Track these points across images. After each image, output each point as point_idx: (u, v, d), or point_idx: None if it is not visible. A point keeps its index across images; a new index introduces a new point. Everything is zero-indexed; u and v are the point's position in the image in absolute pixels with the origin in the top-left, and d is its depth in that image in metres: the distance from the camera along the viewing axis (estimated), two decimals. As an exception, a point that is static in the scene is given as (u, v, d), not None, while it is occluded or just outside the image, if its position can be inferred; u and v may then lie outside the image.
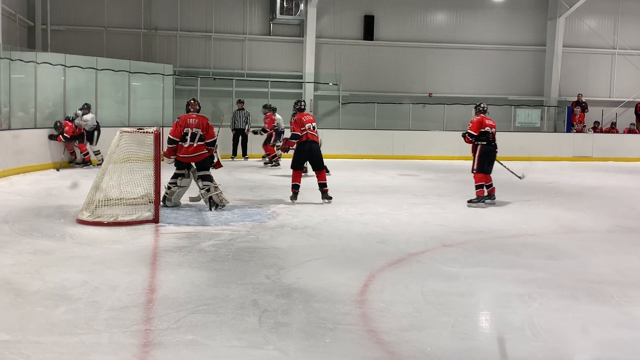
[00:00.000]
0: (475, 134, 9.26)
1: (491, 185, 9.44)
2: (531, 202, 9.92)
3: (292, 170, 9.27)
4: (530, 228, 7.85)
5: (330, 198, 9.23)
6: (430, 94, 21.03)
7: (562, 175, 14.13)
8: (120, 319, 4.17)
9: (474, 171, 9.33)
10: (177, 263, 5.72)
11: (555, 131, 21.10)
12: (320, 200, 9.21)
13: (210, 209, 8.36)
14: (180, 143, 8.37)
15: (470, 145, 9.43)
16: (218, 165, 8.93)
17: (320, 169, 9.28)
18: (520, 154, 17.48)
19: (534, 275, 5.52)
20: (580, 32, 21.92)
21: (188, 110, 8.64)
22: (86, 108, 13.86)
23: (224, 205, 8.52)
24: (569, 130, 20.39)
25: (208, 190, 8.42)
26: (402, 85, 20.96)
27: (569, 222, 8.36)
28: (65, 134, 13.19)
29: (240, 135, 16.45)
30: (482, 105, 9.60)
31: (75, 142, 13.61)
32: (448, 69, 21.31)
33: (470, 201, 9.32)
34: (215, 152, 8.73)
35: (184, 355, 3.65)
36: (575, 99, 20.63)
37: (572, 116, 20.34)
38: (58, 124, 13.33)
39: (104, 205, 7.57)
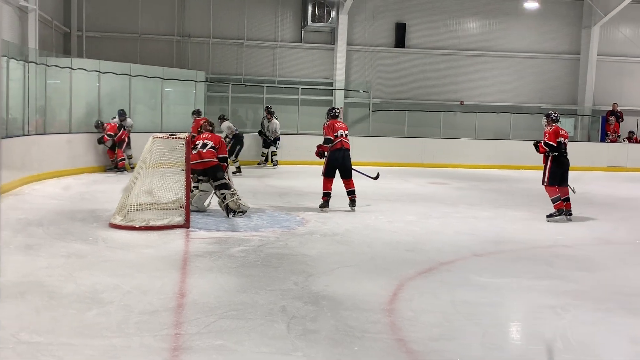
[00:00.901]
0: (555, 144, 8.87)
1: (568, 199, 8.91)
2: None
3: (323, 177, 9.27)
4: (563, 239, 7.72)
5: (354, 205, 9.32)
6: (461, 101, 20.90)
7: (596, 185, 13.89)
8: (150, 322, 4.21)
9: (545, 184, 8.92)
10: (207, 268, 5.76)
11: (589, 141, 20.79)
12: (349, 208, 9.25)
13: (228, 216, 8.35)
14: (193, 152, 8.44)
15: (542, 155, 9.04)
16: None
17: (349, 177, 9.29)
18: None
19: (567, 286, 5.44)
20: (615, 40, 21.57)
21: (202, 130, 9.12)
22: (123, 114, 14.16)
23: (243, 211, 8.50)
24: (603, 140, 20.07)
25: (224, 199, 8.44)
26: (433, 92, 20.86)
27: (603, 234, 8.21)
28: (109, 132, 13.41)
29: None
30: (554, 114, 9.22)
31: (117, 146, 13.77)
32: (480, 77, 21.14)
33: (549, 215, 8.88)
34: (226, 170, 8.75)
35: (213, 360, 3.66)
36: (610, 108, 20.31)
37: (607, 125, 20.01)
38: (99, 122, 13.59)
39: (136, 209, 7.65)
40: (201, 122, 14.27)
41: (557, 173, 8.85)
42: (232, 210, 8.40)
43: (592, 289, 5.43)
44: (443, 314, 4.59)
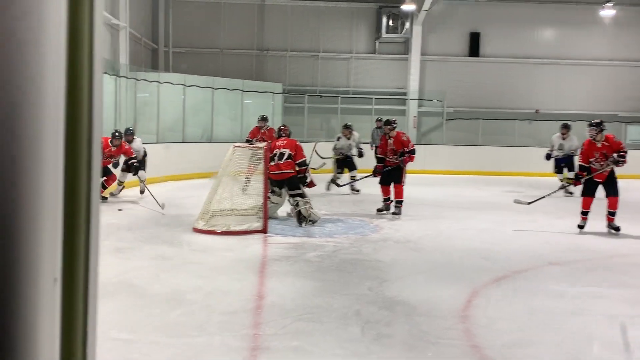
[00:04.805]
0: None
1: None
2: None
3: (402, 185, 9.63)
4: (642, 248, 7.52)
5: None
6: (537, 110, 20.48)
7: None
8: (231, 322, 4.38)
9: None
10: (284, 272, 5.93)
11: (668, 148, 19.96)
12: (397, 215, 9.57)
13: (300, 224, 8.37)
14: (270, 163, 8.58)
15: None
16: (311, 184, 8.98)
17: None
18: (633, 171, 16.66)
19: (645, 296, 5.33)
20: (697, 45, 20.73)
21: (279, 136, 9.30)
22: (130, 134, 10.94)
23: (313, 221, 8.47)
24: (682, 148, 19.22)
25: (297, 205, 8.52)
26: (507, 101, 20.54)
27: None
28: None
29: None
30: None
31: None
32: (555, 85, 20.67)
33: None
34: (308, 172, 8.89)
35: (290, 360, 3.79)
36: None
37: (687, 133, 19.18)
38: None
39: (218, 215, 7.99)
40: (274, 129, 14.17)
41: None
42: (303, 217, 8.43)
43: (672, 299, 5.30)
44: (518, 322, 4.58)
